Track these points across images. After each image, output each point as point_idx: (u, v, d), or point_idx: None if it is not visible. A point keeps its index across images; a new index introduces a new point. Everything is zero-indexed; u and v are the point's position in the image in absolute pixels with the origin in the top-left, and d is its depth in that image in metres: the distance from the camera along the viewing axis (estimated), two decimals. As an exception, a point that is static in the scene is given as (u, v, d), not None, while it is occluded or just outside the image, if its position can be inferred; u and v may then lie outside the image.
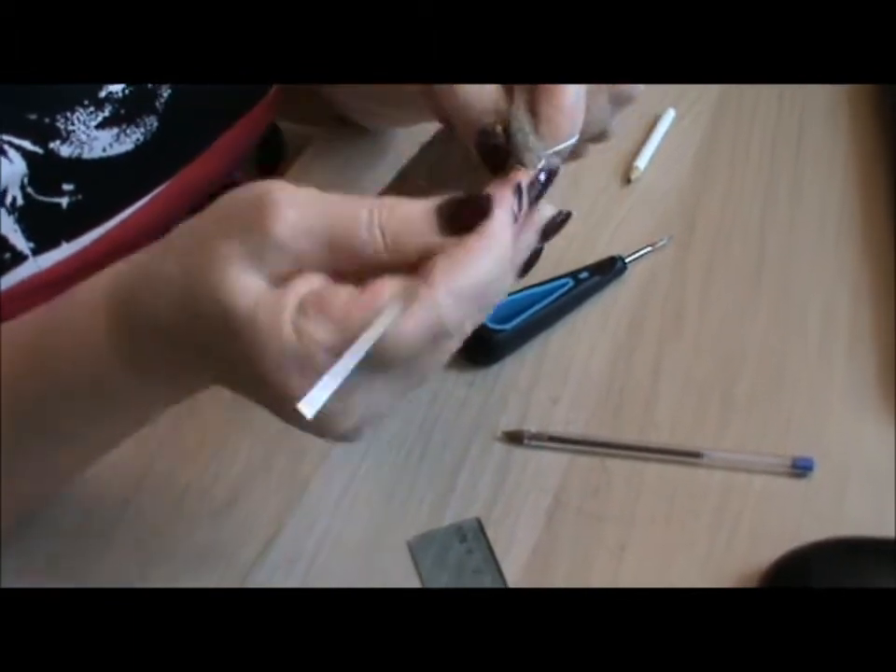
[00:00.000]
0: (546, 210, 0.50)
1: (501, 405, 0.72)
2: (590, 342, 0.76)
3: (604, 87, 0.54)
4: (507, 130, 0.51)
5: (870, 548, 0.62)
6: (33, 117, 0.63)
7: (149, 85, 0.69)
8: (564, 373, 0.74)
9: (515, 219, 0.47)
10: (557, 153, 0.51)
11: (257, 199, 0.45)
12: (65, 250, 0.68)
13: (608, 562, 0.64)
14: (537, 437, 0.69)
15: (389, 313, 0.44)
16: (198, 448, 0.69)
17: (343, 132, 0.88)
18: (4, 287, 0.65)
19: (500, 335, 0.73)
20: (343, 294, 0.45)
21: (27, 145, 0.63)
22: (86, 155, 0.67)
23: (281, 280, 0.45)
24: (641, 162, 0.87)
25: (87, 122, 0.66)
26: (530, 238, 0.50)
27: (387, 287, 0.44)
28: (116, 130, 0.68)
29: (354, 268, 0.45)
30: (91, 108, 0.66)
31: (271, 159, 0.95)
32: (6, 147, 0.62)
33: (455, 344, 0.47)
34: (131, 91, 0.67)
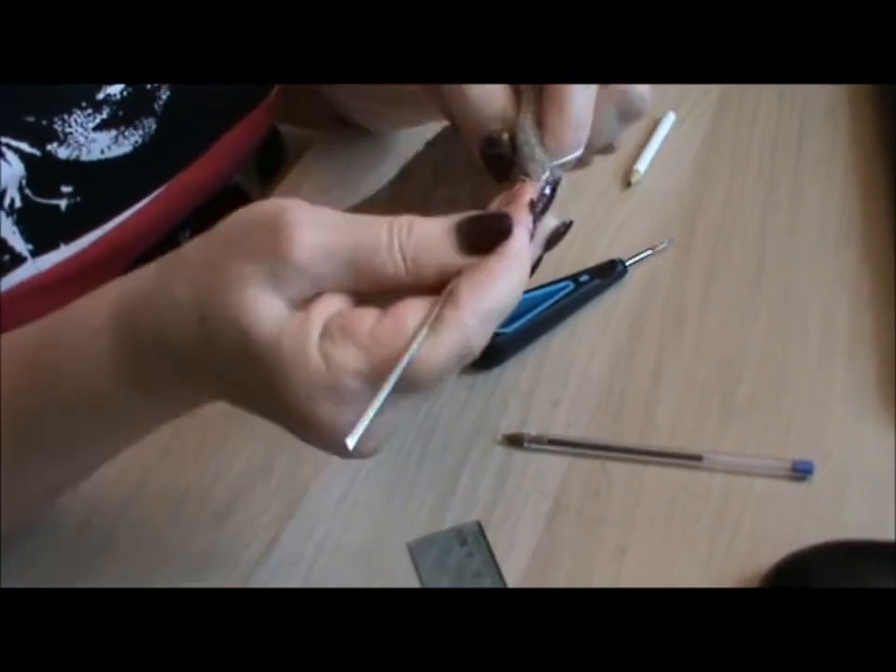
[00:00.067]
0: (550, 221, 0.50)
1: (502, 408, 0.72)
2: (590, 345, 0.76)
3: (612, 101, 0.55)
4: (513, 139, 0.52)
5: (870, 551, 0.62)
6: (30, 119, 0.63)
7: (148, 87, 0.69)
8: (564, 376, 0.74)
9: (531, 237, 0.48)
10: (561, 165, 0.51)
11: (272, 221, 0.44)
12: (64, 252, 0.68)
13: (608, 565, 0.64)
14: (537, 440, 0.69)
15: (418, 338, 0.44)
16: (198, 450, 0.69)
17: (343, 134, 0.88)
18: (3, 289, 0.65)
19: (501, 338, 0.73)
20: (368, 319, 0.44)
21: (25, 147, 0.63)
22: (84, 157, 0.67)
23: (300, 303, 0.45)
24: (642, 166, 0.87)
25: (85, 124, 0.66)
26: (535, 250, 0.50)
27: (410, 309, 0.44)
28: (114, 132, 0.68)
29: (373, 289, 0.45)
30: (89, 110, 0.66)
31: (271, 162, 0.95)
32: (3, 149, 0.62)
33: (467, 361, 0.47)
34: (129, 94, 0.67)
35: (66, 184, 0.66)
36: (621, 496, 0.67)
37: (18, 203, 0.64)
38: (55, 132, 0.65)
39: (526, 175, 0.51)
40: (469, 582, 0.63)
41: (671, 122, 0.91)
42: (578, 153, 0.52)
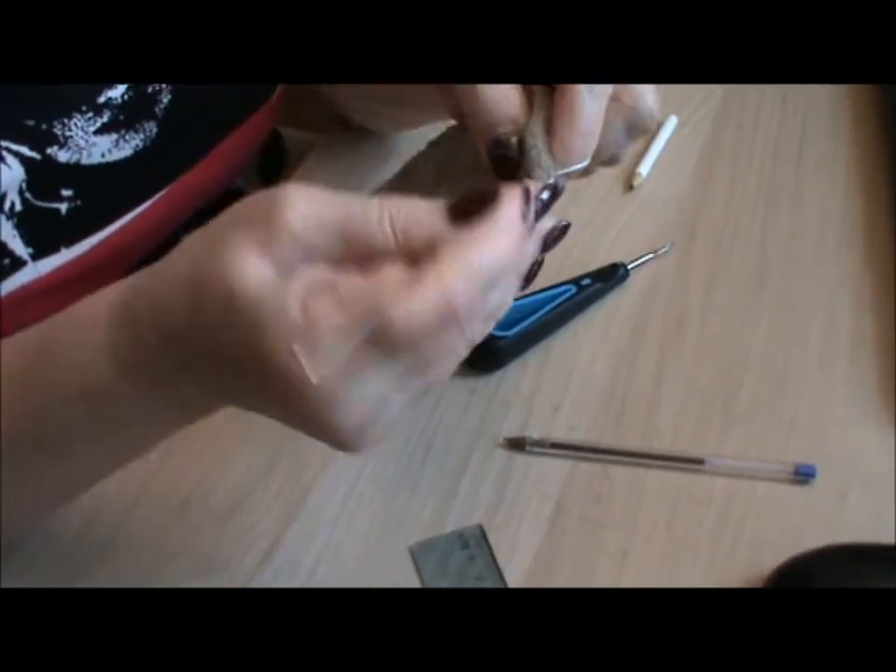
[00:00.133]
0: (546, 220, 0.50)
1: (503, 412, 0.72)
2: (592, 348, 0.76)
3: (621, 115, 0.55)
4: (521, 143, 0.52)
5: (872, 554, 0.62)
6: (30, 122, 0.63)
7: (149, 90, 0.69)
8: (566, 380, 0.74)
9: (523, 218, 0.47)
10: (567, 174, 0.52)
11: (271, 195, 0.46)
12: (65, 256, 0.68)
13: (610, 568, 0.64)
14: (539, 443, 0.69)
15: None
16: (200, 454, 0.69)
17: (345, 137, 0.88)
18: (3, 293, 0.65)
19: (502, 341, 0.73)
20: (350, 279, 0.45)
21: (25, 150, 0.63)
22: (85, 161, 0.67)
23: (289, 273, 0.45)
24: (643, 169, 0.87)
25: (85, 128, 0.66)
26: (533, 248, 0.50)
27: (391, 269, 0.45)
28: (115, 135, 0.68)
29: (362, 262, 0.46)
30: (90, 114, 0.66)
31: (273, 165, 0.95)
32: (3, 152, 0.62)
33: (462, 346, 0.46)
34: (130, 97, 0.67)
35: (67, 187, 0.66)
36: (622, 499, 0.67)
37: (18, 207, 0.64)
38: (55, 135, 0.64)
39: (531, 179, 0.51)
40: (470, 586, 0.63)
41: (673, 126, 0.91)
42: (584, 164, 0.53)
